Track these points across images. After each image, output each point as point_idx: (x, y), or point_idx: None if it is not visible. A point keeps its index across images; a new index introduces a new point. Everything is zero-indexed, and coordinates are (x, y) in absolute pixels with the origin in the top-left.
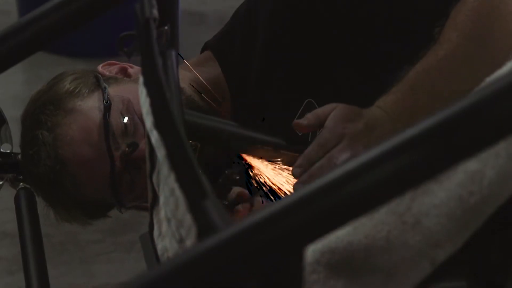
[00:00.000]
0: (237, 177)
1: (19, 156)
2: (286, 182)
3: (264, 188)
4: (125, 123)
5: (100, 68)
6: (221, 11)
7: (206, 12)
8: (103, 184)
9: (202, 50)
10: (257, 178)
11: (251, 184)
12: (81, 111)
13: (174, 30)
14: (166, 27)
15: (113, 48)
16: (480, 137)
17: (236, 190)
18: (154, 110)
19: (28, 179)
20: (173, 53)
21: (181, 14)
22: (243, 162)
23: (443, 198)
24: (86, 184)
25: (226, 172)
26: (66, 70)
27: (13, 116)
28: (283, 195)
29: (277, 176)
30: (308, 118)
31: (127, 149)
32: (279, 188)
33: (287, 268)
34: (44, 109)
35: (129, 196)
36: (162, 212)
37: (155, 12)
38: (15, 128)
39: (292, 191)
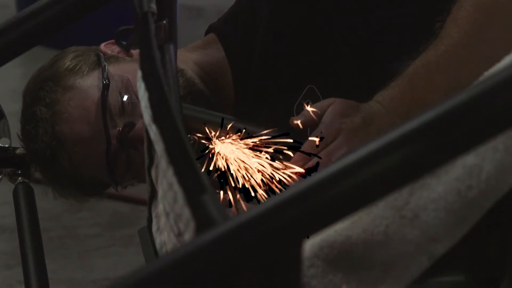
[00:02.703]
0: (220, 180)
1: (17, 151)
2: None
3: (246, 191)
4: (122, 102)
5: (102, 46)
6: (219, 5)
7: (204, 6)
8: (99, 162)
9: (206, 33)
10: (240, 180)
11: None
12: (80, 89)
13: (173, 24)
14: (164, 21)
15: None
16: (478, 131)
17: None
18: (152, 104)
19: (27, 155)
20: (171, 47)
21: (179, 8)
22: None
23: (441, 193)
24: (82, 161)
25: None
26: (69, 48)
27: (11, 110)
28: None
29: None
30: (305, 115)
31: (123, 128)
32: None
33: (285, 262)
34: (43, 86)
35: (125, 175)
36: (161, 206)
37: (153, 6)
38: (13, 122)
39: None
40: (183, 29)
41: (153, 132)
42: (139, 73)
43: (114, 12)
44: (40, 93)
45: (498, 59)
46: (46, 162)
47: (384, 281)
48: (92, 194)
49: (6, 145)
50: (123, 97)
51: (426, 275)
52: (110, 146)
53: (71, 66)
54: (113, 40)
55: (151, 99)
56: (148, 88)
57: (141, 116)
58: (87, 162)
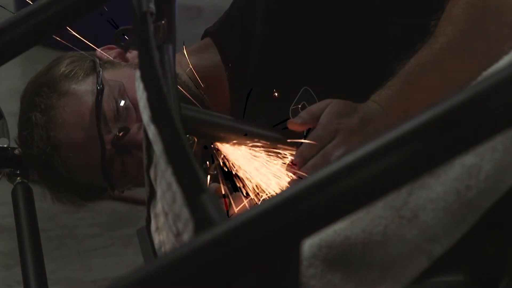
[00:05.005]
0: (215, 172)
1: (16, 151)
2: (272, 177)
3: (244, 183)
4: (117, 108)
5: (98, 52)
6: (218, 5)
7: (203, 6)
8: (94, 168)
9: (203, 37)
10: (237, 172)
11: (231, 178)
12: (75, 95)
13: (171, 24)
14: (163, 21)
15: (110, 42)
16: (476, 131)
17: (214, 186)
18: (151, 105)
19: (24, 160)
20: (170, 47)
21: (178, 8)
22: (222, 156)
23: (440, 192)
24: (78, 167)
25: (204, 166)
26: (65, 53)
27: (10, 110)
28: (266, 192)
29: (263, 170)
30: (302, 117)
31: (118, 133)
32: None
33: (284, 262)
34: (39, 91)
35: (121, 179)
36: (159, 206)
37: (152, 6)
38: (12, 123)
39: (279, 187)
40: (182, 29)
41: (152, 132)
42: (138, 73)
43: (113, 12)
44: (36, 99)
45: (493, 56)
46: (42, 168)
47: (383, 281)
48: (89, 199)
49: (5, 145)
50: (117, 102)
51: (425, 275)
52: (105, 151)
53: (66, 71)
54: (109, 46)
55: (149, 99)
56: (147, 88)
57: (136, 121)
58: (82, 168)
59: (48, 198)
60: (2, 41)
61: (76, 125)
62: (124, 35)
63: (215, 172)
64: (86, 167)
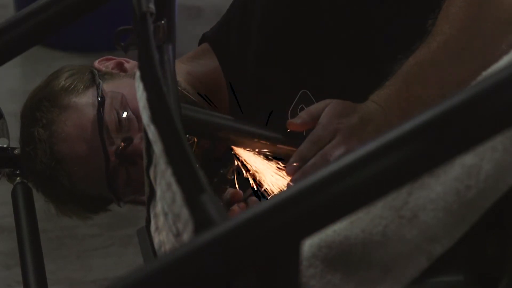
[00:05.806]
0: (232, 177)
1: (16, 151)
2: (281, 178)
3: (259, 186)
4: (119, 119)
5: (96, 63)
6: (218, 5)
7: (203, 6)
8: (99, 180)
9: (200, 43)
10: (252, 176)
11: (247, 183)
12: (76, 108)
13: (171, 24)
14: (162, 21)
15: (109, 42)
16: (476, 131)
17: (230, 190)
18: (151, 105)
19: (28, 175)
20: (170, 47)
21: (178, 8)
22: (239, 160)
23: (439, 192)
24: (82, 180)
25: (221, 171)
26: (63, 66)
27: (10, 110)
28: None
29: (272, 171)
30: (302, 117)
31: (121, 144)
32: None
33: (284, 262)
34: (40, 106)
35: (126, 190)
36: (159, 206)
37: (152, 6)
38: (12, 123)
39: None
40: (181, 29)
41: (152, 132)
42: (137, 73)
43: (112, 13)
44: (37, 114)
45: (491, 54)
46: (47, 183)
47: (383, 281)
48: (95, 211)
49: (5, 145)
50: (119, 113)
51: (425, 275)
52: (109, 163)
53: (66, 85)
54: (107, 57)
55: (149, 99)
56: (147, 88)
57: (138, 131)
58: (87, 180)
59: (53, 211)
60: (2, 41)
61: (79, 138)
62: (124, 35)
63: (233, 177)
64: (91, 180)
